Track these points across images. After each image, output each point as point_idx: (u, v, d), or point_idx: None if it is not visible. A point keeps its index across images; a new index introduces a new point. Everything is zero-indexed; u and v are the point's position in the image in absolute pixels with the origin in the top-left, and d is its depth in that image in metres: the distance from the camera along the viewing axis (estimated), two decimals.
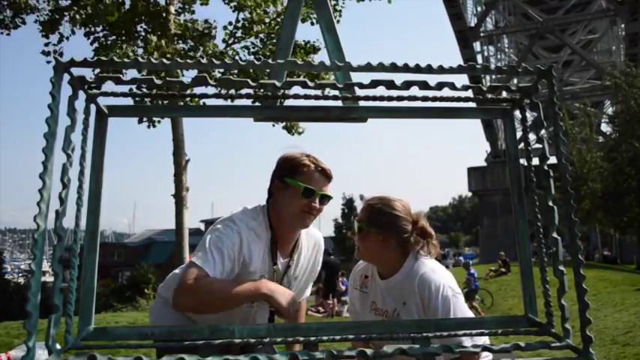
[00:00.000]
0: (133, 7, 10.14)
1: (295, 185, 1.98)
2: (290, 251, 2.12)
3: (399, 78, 1.28)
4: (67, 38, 10.41)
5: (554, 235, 1.29)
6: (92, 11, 9.23)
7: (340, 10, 11.42)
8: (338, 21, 11.14)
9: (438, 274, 1.99)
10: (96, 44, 10.29)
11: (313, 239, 2.24)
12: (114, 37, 10.48)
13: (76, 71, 1.24)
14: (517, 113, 1.52)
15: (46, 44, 10.29)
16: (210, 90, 1.43)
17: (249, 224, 1.99)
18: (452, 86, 1.28)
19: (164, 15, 10.54)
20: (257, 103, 1.55)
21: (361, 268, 2.26)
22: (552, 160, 1.39)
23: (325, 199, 2.03)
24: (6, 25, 10.31)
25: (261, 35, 11.21)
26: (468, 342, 1.70)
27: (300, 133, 11.93)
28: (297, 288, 2.19)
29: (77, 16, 9.87)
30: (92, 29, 10.30)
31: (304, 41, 11.29)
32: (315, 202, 1.99)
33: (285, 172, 2.02)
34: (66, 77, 1.22)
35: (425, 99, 1.37)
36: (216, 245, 1.88)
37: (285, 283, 2.08)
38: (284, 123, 11.47)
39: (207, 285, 1.78)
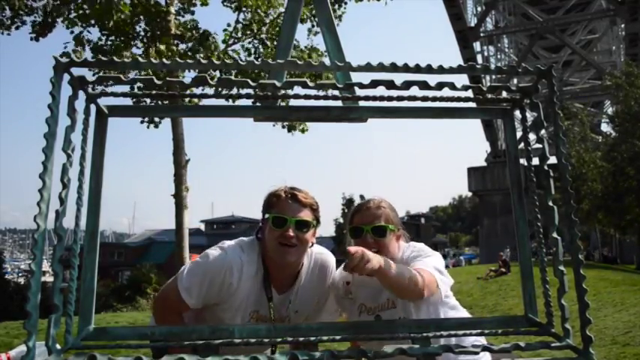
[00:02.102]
0: (132, 7, 10.11)
1: (270, 219, 1.97)
2: (289, 285, 2.07)
3: (399, 78, 1.28)
4: (88, 42, 10.22)
5: (554, 235, 1.29)
6: (92, 11, 9.17)
7: (340, 16, 11.37)
8: (338, 24, 11.12)
9: (418, 244, 2.12)
10: (90, 47, 10.20)
11: (318, 266, 2.13)
12: (112, 38, 10.46)
13: (76, 71, 1.24)
14: (517, 113, 1.53)
15: (65, 45, 10.16)
16: (210, 90, 1.43)
17: (241, 256, 1.98)
18: (452, 86, 1.28)
19: (164, 16, 10.52)
20: (257, 103, 1.55)
21: (342, 277, 2.21)
22: (552, 160, 1.39)
23: (303, 225, 1.97)
24: (5, 26, 10.29)
25: (262, 36, 11.20)
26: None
27: (302, 131, 11.89)
28: (301, 320, 2.12)
29: (71, 17, 9.83)
30: (87, 31, 10.24)
31: (310, 47, 11.24)
32: (288, 231, 1.93)
33: (264, 208, 2.04)
34: (66, 77, 1.22)
35: (425, 99, 1.38)
36: (200, 271, 1.95)
37: (285, 318, 2.05)
38: (284, 122, 11.47)
39: (164, 316, 1.96)
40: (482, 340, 1.85)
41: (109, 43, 10.51)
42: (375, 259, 1.64)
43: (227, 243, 2.05)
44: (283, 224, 1.94)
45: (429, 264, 1.93)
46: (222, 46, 11.12)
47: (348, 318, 2.21)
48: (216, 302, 1.97)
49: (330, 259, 2.19)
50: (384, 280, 1.73)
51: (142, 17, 10.42)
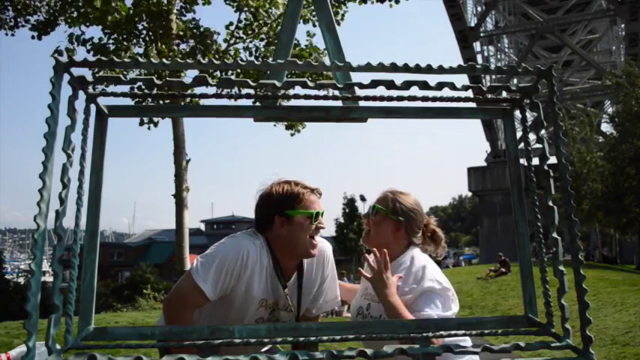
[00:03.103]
0: (134, 7, 10.09)
1: (300, 215, 2.02)
2: (293, 274, 2.12)
3: (399, 78, 1.28)
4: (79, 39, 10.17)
5: (554, 235, 1.29)
6: (93, 12, 9.15)
7: (343, 15, 11.32)
8: (339, 23, 11.08)
9: (428, 267, 2.13)
10: (91, 47, 10.16)
11: (318, 252, 2.18)
12: (114, 37, 10.46)
13: (77, 71, 1.24)
14: (517, 113, 1.53)
15: (59, 45, 10.09)
16: (211, 90, 1.43)
17: (254, 242, 2.02)
18: (452, 86, 1.28)
19: (166, 15, 10.51)
20: (257, 103, 1.55)
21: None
22: (552, 160, 1.39)
23: (322, 215, 2.11)
24: (9, 26, 10.30)
25: (263, 36, 11.19)
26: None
27: (299, 131, 11.90)
28: (301, 308, 2.16)
29: (74, 16, 9.85)
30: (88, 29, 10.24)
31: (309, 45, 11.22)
32: (321, 222, 2.07)
33: (285, 206, 2.03)
34: (66, 77, 1.22)
35: (425, 99, 1.37)
36: (216, 260, 1.94)
37: (290, 305, 2.10)
38: (285, 122, 11.47)
39: (182, 318, 1.93)
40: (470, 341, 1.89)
41: (111, 42, 10.52)
42: (391, 287, 1.94)
43: (238, 234, 2.09)
44: (317, 218, 2.05)
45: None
46: (223, 46, 11.12)
47: (356, 296, 2.34)
48: (231, 290, 1.97)
49: (327, 247, 2.25)
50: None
51: (143, 16, 10.41)
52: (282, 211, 2.03)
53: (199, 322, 2.03)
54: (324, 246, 2.23)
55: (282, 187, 2.06)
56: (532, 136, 1.42)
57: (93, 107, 1.35)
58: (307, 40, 11.35)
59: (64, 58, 1.21)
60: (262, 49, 11.31)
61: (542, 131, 1.38)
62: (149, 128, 11.16)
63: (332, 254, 2.27)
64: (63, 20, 10.18)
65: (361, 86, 1.32)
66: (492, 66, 1.39)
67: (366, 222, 2.30)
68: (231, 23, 11.19)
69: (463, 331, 1.38)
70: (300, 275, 2.13)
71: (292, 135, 11.88)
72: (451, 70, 1.27)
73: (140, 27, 10.83)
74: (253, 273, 1.98)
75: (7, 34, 10.31)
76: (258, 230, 2.10)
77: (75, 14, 9.99)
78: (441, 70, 1.26)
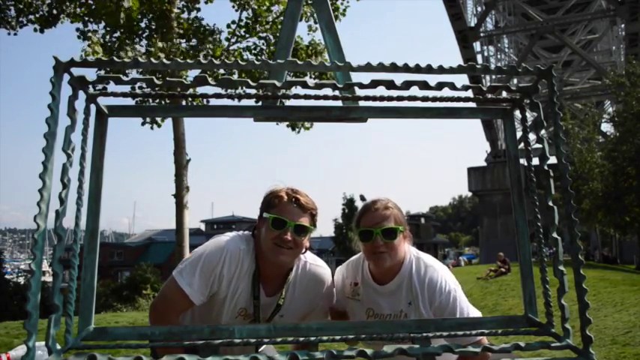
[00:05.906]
0: (139, 4, 10.08)
1: (270, 218, 1.96)
2: (277, 287, 2.05)
3: (399, 78, 1.28)
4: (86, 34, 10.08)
5: (554, 235, 1.29)
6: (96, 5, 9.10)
7: (345, 10, 11.28)
8: (340, 18, 11.04)
9: (439, 270, 2.06)
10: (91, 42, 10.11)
11: (311, 276, 2.12)
12: (117, 34, 10.46)
13: (77, 71, 1.24)
14: (517, 113, 1.53)
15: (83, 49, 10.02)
16: (211, 90, 1.43)
17: (240, 247, 1.99)
18: (452, 86, 1.28)
19: (168, 14, 10.50)
20: (258, 103, 1.55)
21: (348, 276, 2.19)
22: (552, 160, 1.39)
23: (301, 230, 1.97)
24: (11, 25, 10.28)
25: (264, 35, 11.18)
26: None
27: (307, 129, 11.85)
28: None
29: (76, 12, 9.84)
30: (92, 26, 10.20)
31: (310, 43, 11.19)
32: (286, 234, 1.93)
33: (264, 207, 2.03)
34: (66, 77, 1.22)
35: (425, 99, 1.38)
36: (199, 263, 1.94)
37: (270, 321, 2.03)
38: (285, 122, 11.45)
39: (163, 320, 1.92)
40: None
41: (114, 39, 10.51)
42: None
43: (228, 233, 2.06)
44: (282, 226, 1.94)
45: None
46: (225, 44, 11.11)
47: (353, 319, 2.17)
48: (214, 293, 1.96)
49: (326, 274, 2.16)
50: None
51: (146, 14, 10.40)
52: (262, 213, 2.03)
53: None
54: (322, 272, 2.15)
55: (270, 190, 2.05)
56: (532, 136, 1.42)
57: (93, 107, 1.35)
58: (309, 34, 11.30)
59: (64, 58, 1.21)
60: (264, 48, 11.29)
61: (542, 131, 1.38)
62: (152, 128, 11.14)
63: (330, 283, 2.17)
64: (65, 16, 10.16)
65: (361, 86, 1.32)
66: (492, 66, 1.39)
67: (379, 246, 2.01)
68: (233, 22, 11.18)
69: (463, 332, 1.38)
70: (280, 294, 2.05)
71: (298, 132, 11.83)
72: (451, 70, 1.27)
73: (142, 25, 10.83)
74: (233, 278, 1.96)
75: (9, 34, 10.31)
76: (253, 232, 2.09)
77: (77, 10, 9.98)
78: (441, 70, 1.26)
